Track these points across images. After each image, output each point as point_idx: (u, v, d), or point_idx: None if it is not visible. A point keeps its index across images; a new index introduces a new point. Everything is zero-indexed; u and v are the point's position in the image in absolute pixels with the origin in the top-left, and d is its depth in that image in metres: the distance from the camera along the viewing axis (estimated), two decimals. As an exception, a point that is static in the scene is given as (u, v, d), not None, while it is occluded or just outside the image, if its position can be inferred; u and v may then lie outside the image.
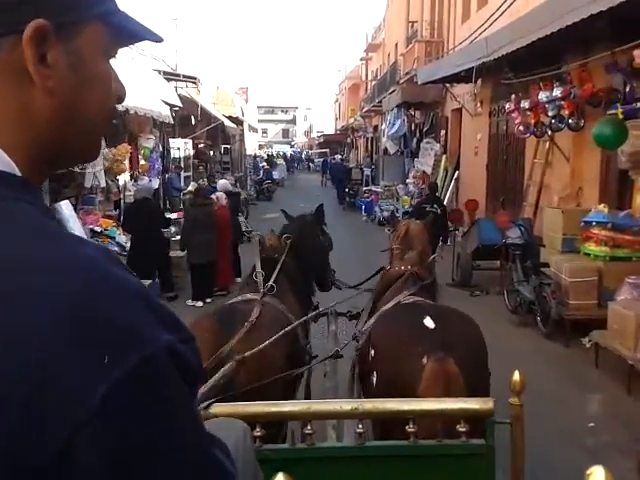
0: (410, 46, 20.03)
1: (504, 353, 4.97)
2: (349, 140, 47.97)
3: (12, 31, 0.62)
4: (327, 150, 48.99)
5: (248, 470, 1.19)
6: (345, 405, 1.91)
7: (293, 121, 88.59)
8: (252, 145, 42.02)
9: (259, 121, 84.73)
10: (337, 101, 59.11)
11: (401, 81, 20.35)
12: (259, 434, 1.81)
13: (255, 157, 32.92)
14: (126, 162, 9.97)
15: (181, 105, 14.14)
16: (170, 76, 14.79)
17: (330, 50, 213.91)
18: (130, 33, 0.74)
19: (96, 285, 0.58)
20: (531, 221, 9.18)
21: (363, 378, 2.89)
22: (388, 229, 5.13)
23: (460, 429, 1.87)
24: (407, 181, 18.61)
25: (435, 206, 9.94)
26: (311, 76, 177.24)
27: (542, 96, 8.20)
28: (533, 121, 8.60)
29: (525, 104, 8.50)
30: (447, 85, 15.09)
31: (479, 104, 13.71)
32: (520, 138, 11.27)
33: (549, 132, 9.00)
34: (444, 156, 16.86)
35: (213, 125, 17.80)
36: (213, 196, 8.64)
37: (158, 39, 0.78)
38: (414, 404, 1.93)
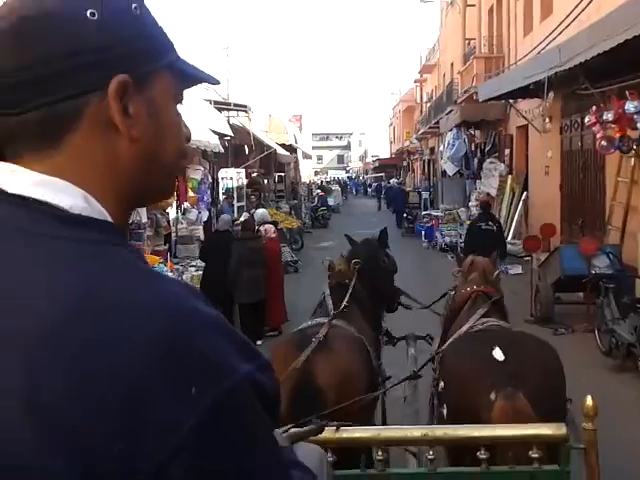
0: (468, 63, 19.16)
1: (599, 404, 4.14)
2: (405, 163, 47.35)
3: (99, 87, 0.67)
4: (382, 174, 48.75)
5: None
6: (415, 431, 1.91)
7: (348, 147, 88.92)
8: (307, 172, 41.76)
9: (313, 148, 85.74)
10: (391, 125, 58.59)
11: (459, 100, 19.46)
12: (331, 460, 1.77)
13: (310, 184, 32.50)
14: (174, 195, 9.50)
15: (232, 134, 13.76)
16: (221, 105, 14.49)
17: (383, 73, 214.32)
18: (191, 77, 0.79)
19: (181, 320, 0.61)
20: (619, 248, 8.08)
21: (438, 408, 2.88)
22: (451, 256, 5.90)
23: (533, 455, 1.83)
24: (470, 204, 17.57)
25: (490, 223, 9.78)
26: (365, 101, 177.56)
27: (629, 106, 7.23)
28: (618, 135, 7.60)
29: (608, 116, 7.51)
30: (511, 101, 14.14)
31: (548, 120, 12.67)
32: (599, 155, 10.21)
33: (635, 147, 7.98)
34: (510, 176, 15.80)
35: (266, 153, 17.38)
36: (262, 228, 7.99)
37: (215, 82, 0.83)
38: (485, 430, 1.93)
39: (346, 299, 3.31)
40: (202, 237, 10.65)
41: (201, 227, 10.71)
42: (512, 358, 2.53)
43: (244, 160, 17.71)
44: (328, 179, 56.47)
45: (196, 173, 9.92)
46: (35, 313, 0.59)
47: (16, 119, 0.66)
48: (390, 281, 4.10)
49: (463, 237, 14.88)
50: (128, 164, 0.70)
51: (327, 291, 3.47)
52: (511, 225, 15.07)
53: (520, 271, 12.56)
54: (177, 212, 9.79)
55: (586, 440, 1.90)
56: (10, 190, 0.65)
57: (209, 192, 10.71)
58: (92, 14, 0.66)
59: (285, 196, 23.50)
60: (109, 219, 0.68)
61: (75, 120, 0.66)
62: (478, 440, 1.88)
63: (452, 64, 26.95)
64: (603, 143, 7.89)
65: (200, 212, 10.13)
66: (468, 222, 15.75)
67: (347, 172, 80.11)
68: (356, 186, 56.60)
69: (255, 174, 18.15)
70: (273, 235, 8.14)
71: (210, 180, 10.65)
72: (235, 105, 14.54)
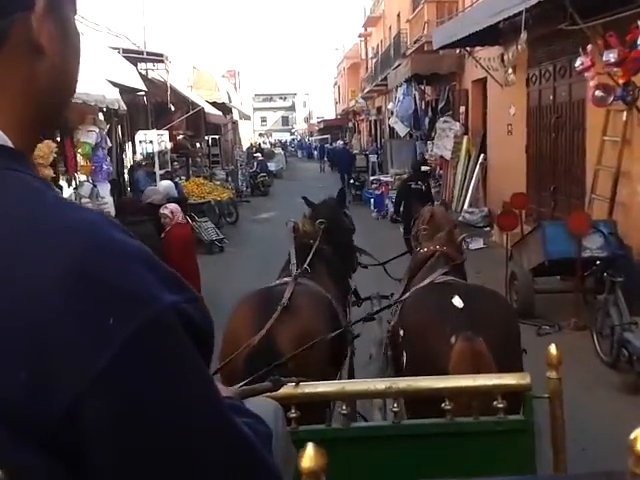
0: (418, 9, 17.29)
1: (608, 440, 2.93)
2: (350, 124, 45.57)
3: (25, 7, 0.63)
4: (328, 136, 47.11)
5: (281, 447, 1.07)
6: (379, 384, 1.90)
7: (292, 108, 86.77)
8: (247, 134, 39.31)
9: (257, 109, 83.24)
10: (336, 84, 56.37)
11: (408, 52, 17.63)
12: (294, 415, 1.78)
13: (250, 148, 30.22)
14: (60, 164, 7.39)
15: (146, 89, 11.52)
16: (131, 54, 12.16)
17: (327, 30, 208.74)
18: None
19: (97, 248, 0.58)
20: (615, 224, 6.53)
21: (395, 359, 2.91)
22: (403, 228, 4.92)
23: (498, 405, 1.83)
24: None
25: (419, 183, 10.35)
26: (308, 59, 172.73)
27: None
28: (621, 81, 5.94)
29: (610, 56, 5.81)
30: (467, 49, 12.42)
31: (511, 70, 11.01)
32: (578, 109, 8.62)
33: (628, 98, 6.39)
34: (465, 137, 14.18)
35: (192, 112, 15.18)
36: (166, 211, 6.02)
37: None
38: (449, 381, 1.92)
39: (309, 258, 3.31)
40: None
41: (108, 202, 8.63)
42: (471, 306, 2.61)
43: (169, 121, 15.50)
44: (272, 141, 54.19)
45: (89, 136, 7.80)
46: None
47: None
48: (351, 240, 4.10)
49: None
50: (42, 88, 0.67)
51: (292, 251, 3.41)
52: (467, 192, 13.53)
53: (481, 245, 11.02)
54: (68, 186, 7.70)
55: (550, 390, 1.84)
56: None
57: (109, 159, 8.58)
58: None
59: (221, 162, 21.33)
60: (9, 144, 0.64)
61: (1, 42, 0.63)
62: (442, 391, 1.85)
63: (399, 14, 25.07)
64: (598, 93, 6.23)
65: (96, 185, 8.05)
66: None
67: (292, 134, 77.93)
68: (304, 149, 54.39)
69: (181, 136, 15.94)
70: (181, 220, 6.18)
71: (109, 144, 8.52)
72: (149, 54, 12.27)
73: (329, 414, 1.94)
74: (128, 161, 13.55)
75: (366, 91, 32.47)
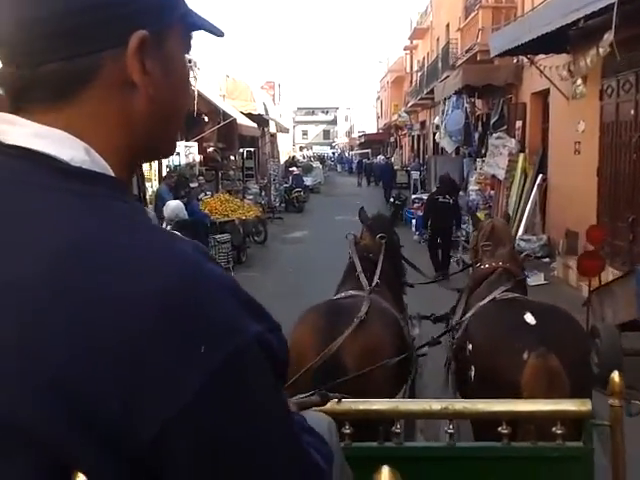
0: (471, 17, 15.97)
1: None
2: (392, 139, 44.38)
3: (118, 43, 0.65)
4: (369, 150, 46.25)
5: (335, 464, 1.05)
6: (434, 405, 1.84)
7: (334, 122, 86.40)
8: (286, 147, 38.40)
9: (299, 122, 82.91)
10: (379, 98, 55.35)
11: (459, 63, 16.34)
12: (348, 432, 1.75)
13: (288, 161, 29.20)
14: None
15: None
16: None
17: (371, 43, 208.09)
18: (198, 28, 0.76)
19: (191, 279, 0.59)
20: None
21: (459, 373, 2.92)
22: (455, 260, 5.55)
23: (557, 431, 1.75)
24: (469, 188, 14.56)
25: (447, 197, 10.34)
26: (351, 73, 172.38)
27: None
28: None
29: None
30: (529, 58, 11.06)
31: (581, 81, 9.62)
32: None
33: None
34: (521, 155, 12.76)
35: (224, 123, 14.19)
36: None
37: (220, 34, 0.78)
38: (507, 405, 1.86)
39: (377, 272, 3.29)
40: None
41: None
42: (543, 323, 2.58)
43: (200, 132, 14.57)
44: (311, 155, 53.36)
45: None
46: (34, 263, 0.57)
47: (31, 72, 0.64)
48: (401, 257, 4.07)
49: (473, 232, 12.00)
50: (141, 122, 0.69)
51: (357, 262, 3.35)
52: (522, 216, 12.08)
53: (542, 280, 9.60)
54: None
55: (612, 418, 1.73)
56: (7, 141, 0.64)
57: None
58: None
59: (255, 175, 20.35)
60: (111, 173, 0.66)
61: (91, 76, 0.65)
62: (499, 415, 1.79)
63: (448, 25, 23.79)
64: None
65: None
66: (480, 214, 12.77)
67: (333, 148, 77.19)
68: (344, 163, 53.40)
69: (211, 149, 14.97)
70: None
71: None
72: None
73: (384, 432, 1.88)
74: (152, 174, 12.61)
75: (410, 105, 31.31)
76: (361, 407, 1.78)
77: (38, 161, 0.63)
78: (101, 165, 0.65)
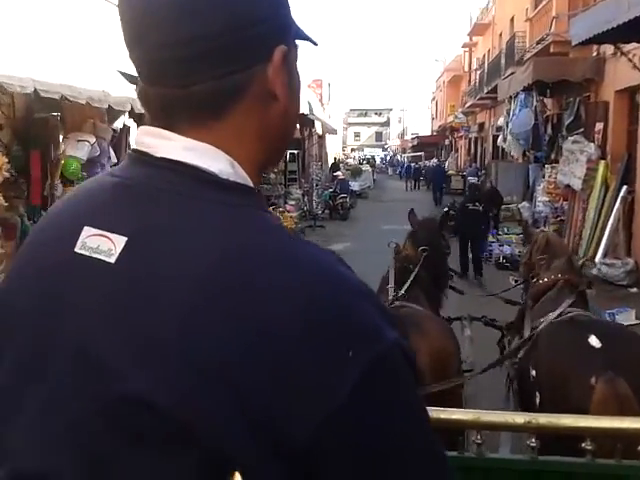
0: (544, 3, 14.07)
1: None
2: (447, 142, 42.40)
3: (264, 59, 0.67)
4: (421, 153, 44.52)
5: None
6: (517, 418, 1.82)
7: (387, 123, 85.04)
8: (334, 149, 36.90)
9: (351, 124, 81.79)
10: (434, 99, 53.34)
11: (527, 56, 14.46)
12: None
13: (334, 164, 27.72)
14: (20, 186, 5.08)
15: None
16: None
17: (426, 42, 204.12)
18: (302, 38, 0.76)
19: (332, 284, 0.61)
20: None
21: (523, 395, 2.91)
22: (515, 279, 4.46)
23: None
24: (538, 199, 12.71)
25: (477, 204, 10.48)
26: (406, 74, 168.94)
27: None
28: None
29: None
30: (618, 47, 9.21)
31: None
32: None
33: None
34: (602, 162, 10.87)
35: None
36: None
37: (315, 43, 0.79)
38: (592, 421, 1.82)
39: (407, 283, 3.34)
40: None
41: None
42: (609, 346, 2.54)
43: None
44: (362, 157, 51.81)
45: (78, 148, 5.45)
46: (195, 266, 0.59)
47: (181, 92, 0.65)
48: (446, 264, 4.06)
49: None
50: (275, 134, 0.71)
51: (392, 273, 3.44)
52: (602, 234, 10.21)
53: (633, 320, 7.70)
54: (27, 220, 5.35)
55: None
56: (159, 154, 0.66)
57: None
58: None
59: (299, 179, 18.95)
60: (251, 184, 0.69)
61: (239, 93, 0.67)
62: (584, 431, 1.77)
63: (512, 18, 21.89)
64: None
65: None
66: (551, 229, 10.97)
67: (385, 150, 75.54)
68: (395, 166, 51.66)
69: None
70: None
71: (113, 160, 6.14)
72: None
73: (462, 442, 1.83)
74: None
75: (467, 106, 29.47)
76: (442, 416, 1.72)
77: (188, 173, 0.65)
78: (243, 177, 0.68)
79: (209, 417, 0.55)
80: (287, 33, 0.70)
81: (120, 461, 0.56)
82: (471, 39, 33.29)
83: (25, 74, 4.22)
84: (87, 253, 0.63)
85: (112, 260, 0.61)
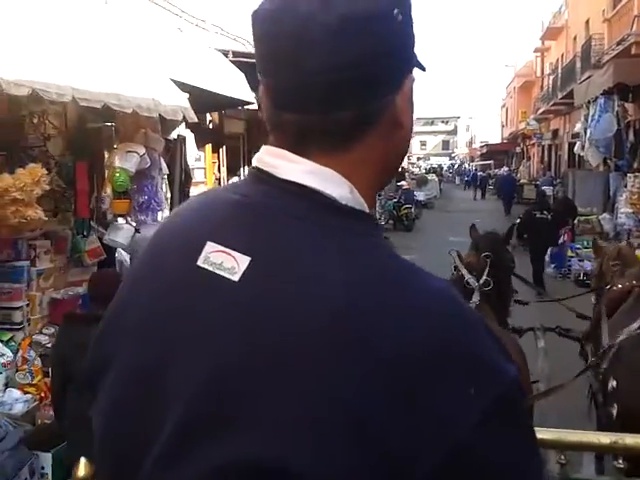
0: (623, 2, 13.16)
1: None
2: (518, 150, 41.00)
3: (399, 87, 0.68)
4: (491, 162, 43.36)
5: None
6: (603, 438, 1.77)
7: (454, 132, 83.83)
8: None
9: (417, 133, 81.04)
10: (504, 106, 51.84)
11: (606, 59, 13.55)
12: None
13: (401, 173, 27.15)
14: (64, 200, 4.96)
15: (252, 101, 9.03)
16: (242, 58, 9.73)
17: (497, 48, 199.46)
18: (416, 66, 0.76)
19: (456, 318, 0.62)
20: None
21: (602, 407, 2.86)
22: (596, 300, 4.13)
23: None
24: (620, 210, 11.79)
25: (545, 212, 10.36)
26: (475, 81, 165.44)
27: None
28: None
29: None
30: None
31: None
32: None
33: None
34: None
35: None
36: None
37: (424, 69, 0.77)
38: None
39: (476, 292, 3.20)
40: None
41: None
42: None
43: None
44: (428, 167, 50.91)
45: (127, 159, 5.30)
46: (321, 298, 0.59)
47: (320, 118, 0.65)
48: (510, 278, 3.82)
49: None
50: (394, 161, 0.72)
51: (466, 273, 3.31)
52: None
53: None
54: (77, 234, 5.22)
55: None
56: (281, 175, 0.66)
57: (162, 192, 6.00)
58: (397, 14, 0.66)
59: (362, 189, 18.58)
60: (367, 210, 0.68)
61: (374, 121, 0.67)
62: None
63: (587, 21, 20.83)
64: None
65: (139, 230, 5.53)
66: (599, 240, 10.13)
67: (452, 159, 74.18)
68: (463, 174, 50.45)
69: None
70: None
71: (165, 171, 5.95)
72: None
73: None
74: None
75: (540, 112, 28.31)
76: None
77: (309, 196, 0.65)
78: (360, 203, 0.67)
79: (348, 470, 0.54)
80: (412, 63, 0.71)
81: None
82: (543, 43, 32.02)
83: (64, 82, 4.05)
84: (210, 268, 0.64)
85: (235, 278, 0.62)
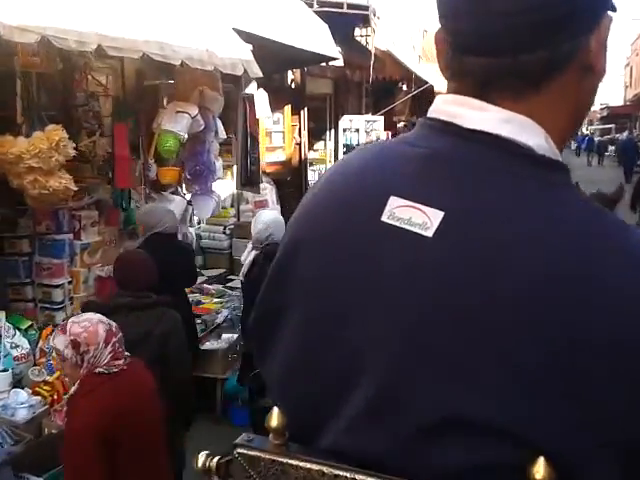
0: None
1: None
2: (645, 112, 37.16)
3: (592, 29, 0.65)
4: (612, 126, 39.80)
5: None
6: None
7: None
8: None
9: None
10: (628, 64, 47.25)
11: None
12: None
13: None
14: (96, 165, 4.37)
15: (338, 58, 8.16)
16: (330, 8, 8.89)
17: (621, 0, 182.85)
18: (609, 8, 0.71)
19: None
20: None
21: None
22: None
23: None
24: None
25: None
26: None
27: None
28: None
29: None
30: None
31: None
32: None
33: None
34: None
35: (415, 91, 11.43)
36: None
37: (615, 9, 0.71)
38: None
39: None
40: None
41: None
42: None
43: (391, 103, 12.02)
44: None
45: (177, 121, 4.58)
46: (525, 256, 0.57)
47: (508, 61, 0.63)
48: None
49: None
50: (585, 105, 0.69)
51: None
52: None
53: None
54: (118, 206, 4.59)
55: None
56: (469, 125, 0.64)
57: (219, 162, 5.22)
58: None
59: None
60: (561, 160, 0.66)
61: (564, 64, 0.65)
62: None
63: None
64: None
65: (191, 202, 4.85)
66: None
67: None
68: (577, 141, 46.82)
69: (401, 124, 12.30)
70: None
71: (223, 135, 5.18)
72: (350, 6, 8.78)
73: None
74: (325, 155, 10.45)
75: (673, 68, 24.99)
76: None
77: (504, 147, 0.62)
78: (555, 153, 0.65)
79: (564, 434, 0.55)
80: (609, 1, 0.67)
81: None
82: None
83: (87, 28, 3.32)
84: (397, 224, 0.62)
85: (429, 234, 0.60)
